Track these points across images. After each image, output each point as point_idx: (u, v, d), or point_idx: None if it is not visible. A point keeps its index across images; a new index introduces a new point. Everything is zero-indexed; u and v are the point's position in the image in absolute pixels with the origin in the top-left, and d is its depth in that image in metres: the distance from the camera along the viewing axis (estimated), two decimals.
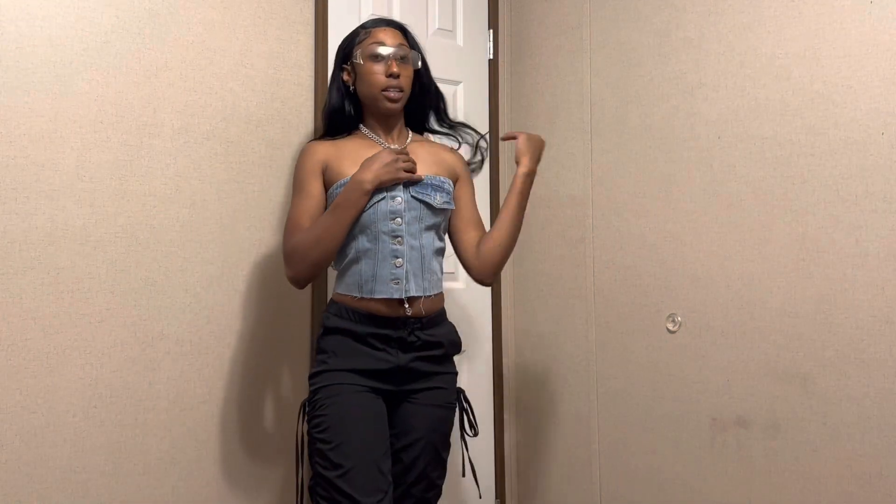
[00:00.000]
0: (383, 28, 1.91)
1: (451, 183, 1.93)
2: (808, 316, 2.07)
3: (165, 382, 2.00)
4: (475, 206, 2.01)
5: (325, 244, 1.77)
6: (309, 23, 2.34)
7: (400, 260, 1.82)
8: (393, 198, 1.83)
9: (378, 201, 1.81)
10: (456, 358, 2.00)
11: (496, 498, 2.73)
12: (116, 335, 1.93)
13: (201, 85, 2.10)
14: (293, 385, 2.26)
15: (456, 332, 1.97)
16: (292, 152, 2.26)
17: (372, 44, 1.88)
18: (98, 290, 1.90)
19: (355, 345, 1.82)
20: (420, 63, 1.95)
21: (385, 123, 1.94)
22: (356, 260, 1.83)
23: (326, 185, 1.88)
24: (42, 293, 1.82)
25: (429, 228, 1.87)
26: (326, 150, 1.90)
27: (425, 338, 1.85)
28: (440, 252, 1.92)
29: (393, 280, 1.81)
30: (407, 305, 1.82)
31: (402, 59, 1.88)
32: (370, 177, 1.77)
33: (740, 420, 2.20)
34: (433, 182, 1.88)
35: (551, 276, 2.70)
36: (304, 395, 2.28)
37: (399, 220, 1.82)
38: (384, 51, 1.87)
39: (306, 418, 1.83)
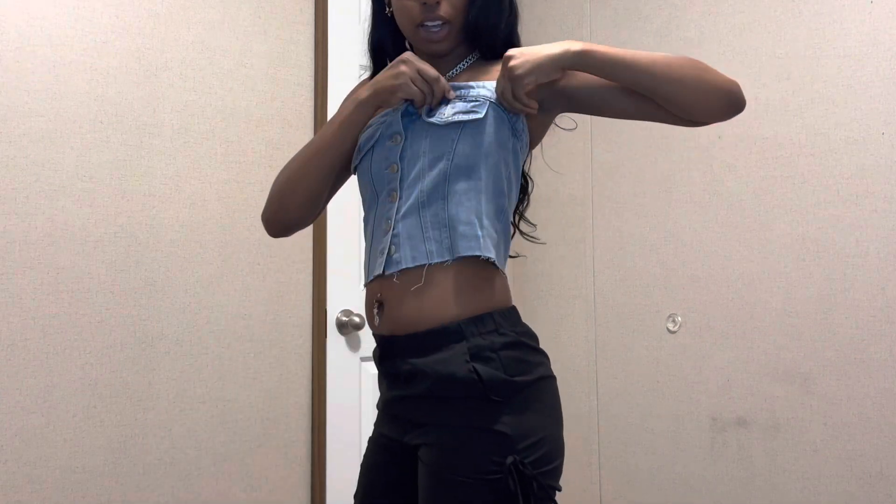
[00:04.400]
0: None
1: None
2: (808, 316, 2.07)
3: (165, 382, 2.00)
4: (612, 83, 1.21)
5: (291, 172, 1.32)
6: (309, 23, 2.34)
7: (390, 221, 1.21)
8: (391, 136, 1.24)
9: (370, 148, 1.26)
10: None
11: None
12: (116, 335, 1.92)
13: (201, 85, 2.10)
14: (293, 385, 2.26)
15: (465, 363, 1.15)
16: (292, 152, 2.25)
17: None
18: (98, 290, 1.90)
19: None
20: None
21: (433, 58, 1.30)
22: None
23: None
24: (42, 293, 1.82)
25: (436, 168, 1.19)
26: None
27: (403, 367, 1.20)
28: (474, 193, 1.19)
29: (381, 250, 1.22)
30: (375, 311, 1.23)
31: None
32: (368, 86, 1.26)
33: (740, 420, 2.20)
34: (454, 91, 1.23)
35: (551, 276, 2.70)
36: (303, 395, 2.28)
37: (395, 165, 1.23)
38: None
39: None
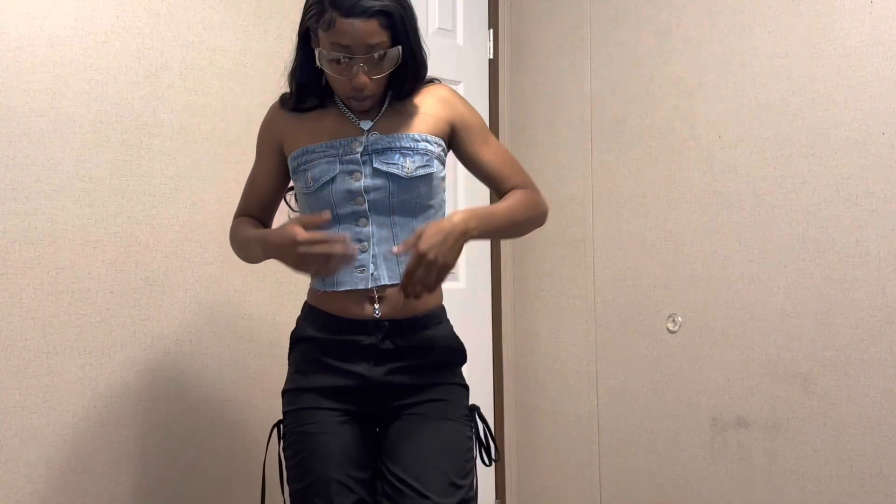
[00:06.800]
0: (349, 21, 1.38)
1: (436, 140, 1.53)
2: (808, 316, 2.07)
3: (165, 382, 2.00)
4: (496, 151, 1.60)
5: (244, 257, 1.63)
6: None
7: (365, 243, 1.49)
8: (350, 172, 1.49)
9: (329, 179, 1.49)
10: None
11: (496, 498, 2.73)
12: (116, 335, 1.93)
13: (201, 85, 2.10)
14: None
15: (456, 338, 1.62)
16: None
17: (332, 44, 1.41)
18: (98, 290, 1.90)
19: (320, 357, 1.53)
20: (401, 56, 1.46)
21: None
22: None
23: (286, 153, 1.61)
24: (42, 293, 1.82)
25: (405, 205, 1.51)
26: (286, 124, 1.59)
27: (405, 343, 1.52)
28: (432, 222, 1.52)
29: (358, 268, 1.49)
30: (376, 305, 1.50)
31: (375, 59, 1.43)
32: (269, 250, 1.47)
33: (740, 420, 2.20)
34: (402, 143, 1.49)
35: (551, 276, 2.70)
36: None
37: (360, 198, 1.49)
38: (346, 60, 1.42)
39: (281, 443, 1.57)
